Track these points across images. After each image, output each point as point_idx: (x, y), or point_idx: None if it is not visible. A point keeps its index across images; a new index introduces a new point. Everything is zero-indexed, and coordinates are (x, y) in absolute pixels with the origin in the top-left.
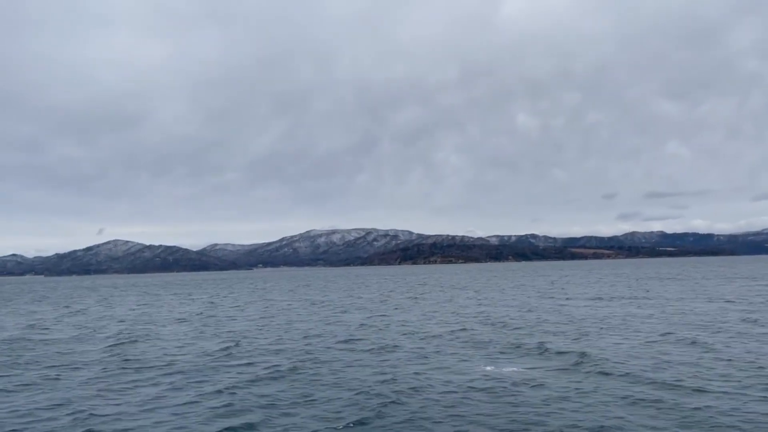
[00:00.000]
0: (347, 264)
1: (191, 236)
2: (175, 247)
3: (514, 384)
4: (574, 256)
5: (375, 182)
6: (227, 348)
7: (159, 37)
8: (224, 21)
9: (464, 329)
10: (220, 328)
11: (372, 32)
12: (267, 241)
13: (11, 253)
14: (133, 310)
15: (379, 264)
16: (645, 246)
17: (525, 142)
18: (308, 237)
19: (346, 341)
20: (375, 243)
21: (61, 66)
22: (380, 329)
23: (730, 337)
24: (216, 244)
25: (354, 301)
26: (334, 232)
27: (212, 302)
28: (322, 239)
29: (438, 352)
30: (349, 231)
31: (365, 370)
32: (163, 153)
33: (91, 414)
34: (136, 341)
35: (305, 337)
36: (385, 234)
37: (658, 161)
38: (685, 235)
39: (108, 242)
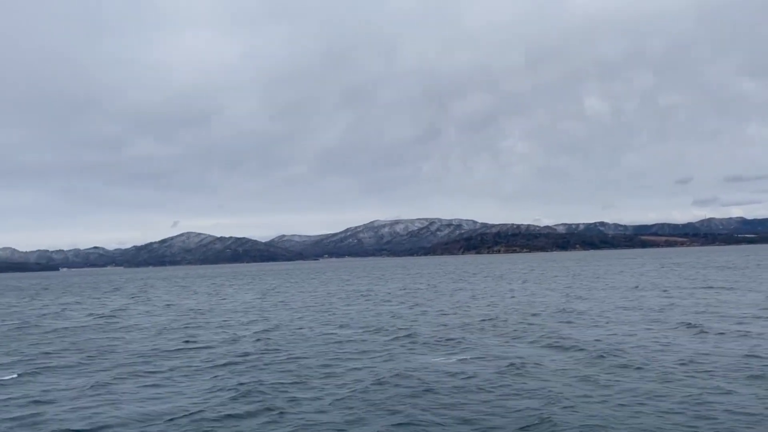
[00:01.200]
0: (411, 254)
1: (260, 228)
2: (244, 238)
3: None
4: (645, 245)
5: (440, 171)
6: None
7: (231, 36)
8: (292, 18)
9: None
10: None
11: (436, 21)
12: (332, 231)
13: (94, 246)
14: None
15: (442, 254)
16: (722, 233)
17: (595, 126)
18: (372, 227)
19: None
20: (438, 233)
21: (140, 67)
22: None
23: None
24: (284, 236)
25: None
26: (397, 222)
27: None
28: (386, 229)
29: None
30: (412, 221)
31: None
32: (234, 148)
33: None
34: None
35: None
36: (449, 224)
37: (738, 143)
38: (767, 221)
39: (181, 234)
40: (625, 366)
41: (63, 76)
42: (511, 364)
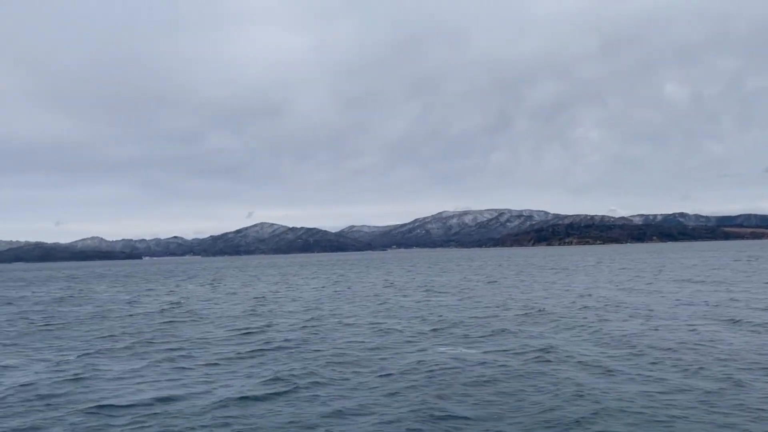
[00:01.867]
0: (479, 245)
1: (330, 218)
2: (315, 228)
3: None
4: (728, 236)
5: (509, 161)
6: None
7: (300, 31)
8: (360, 10)
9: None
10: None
11: (506, 8)
12: (401, 222)
13: (173, 235)
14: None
15: (511, 245)
16: None
17: (674, 113)
18: (440, 218)
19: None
20: (508, 224)
21: (215, 63)
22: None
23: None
24: (353, 226)
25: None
26: (466, 213)
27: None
28: (454, 220)
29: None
30: (481, 212)
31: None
32: (305, 140)
33: None
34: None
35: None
36: (519, 215)
37: None
38: None
39: (255, 225)
40: (657, 362)
41: (145, 73)
42: (539, 357)
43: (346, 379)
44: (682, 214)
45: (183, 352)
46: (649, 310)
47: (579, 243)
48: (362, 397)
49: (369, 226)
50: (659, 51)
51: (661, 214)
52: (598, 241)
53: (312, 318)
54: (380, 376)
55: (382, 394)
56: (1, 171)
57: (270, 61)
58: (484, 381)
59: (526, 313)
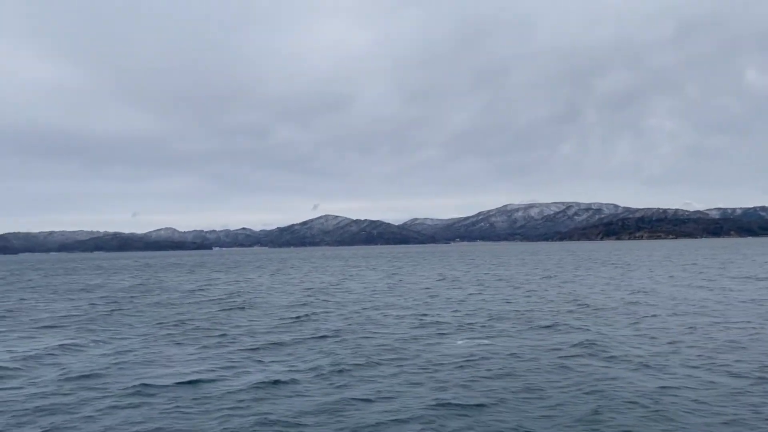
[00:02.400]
0: (545, 239)
1: (393, 211)
2: (378, 221)
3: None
4: None
5: (578, 153)
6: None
7: (365, 24)
8: (425, 2)
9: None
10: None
11: None
12: (464, 215)
13: (242, 227)
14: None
15: (579, 239)
16: None
17: (756, 101)
18: (505, 211)
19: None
20: (576, 217)
21: (282, 57)
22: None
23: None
24: (416, 219)
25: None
26: (532, 206)
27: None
28: (520, 213)
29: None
30: (548, 204)
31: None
32: (369, 133)
33: None
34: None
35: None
36: (588, 208)
37: None
38: None
39: (320, 217)
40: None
41: (216, 69)
42: (571, 351)
43: (376, 368)
44: (763, 208)
45: (229, 339)
46: (702, 307)
47: (650, 237)
48: (386, 386)
49: (432, 219)
50: (739, 36)
51: (741, 208)
52: (671, 236)
53: (360, 309)
54: (411, 366)
55: (406, 382)
56: (84, 166)
57: (336, 55)
58: (512, 373)
59: (572, 308)
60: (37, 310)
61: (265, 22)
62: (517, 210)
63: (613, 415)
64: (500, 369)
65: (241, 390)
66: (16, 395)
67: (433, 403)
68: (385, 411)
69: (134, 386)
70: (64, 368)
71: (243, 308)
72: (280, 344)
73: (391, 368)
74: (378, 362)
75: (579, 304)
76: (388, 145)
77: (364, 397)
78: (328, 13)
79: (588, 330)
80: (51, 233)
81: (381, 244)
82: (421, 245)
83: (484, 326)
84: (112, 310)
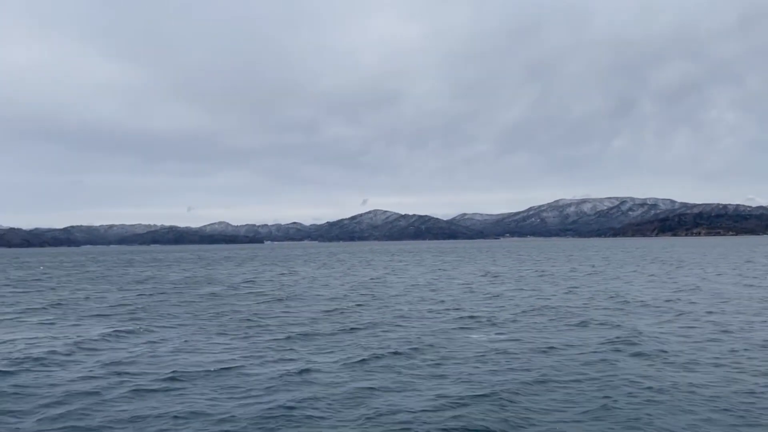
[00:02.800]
0: (598, 235)
1: (442, 206)
2: (427, 216)
3: None
4: None
5: (632, 147)
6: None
7: (414, 18)
8: None
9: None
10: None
11: None
12: (514, 210)
13: (293, 221)
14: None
15: (633, 235)
16: None
17: None
18: (557, 206)
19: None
20: (630, 213)
21: (331, 53)
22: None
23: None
24: (465, 214)
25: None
26: (584, 201)
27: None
28: (572, 209)
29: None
30: (601, 200)
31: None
32: (419, 127)
33: None
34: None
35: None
36: (643, 203)
37: None
38: None
39: (369, 212)
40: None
41: (267, 65)
42: (601, 348)
43: (399, 359)
44: None
45: (265, 329)
46: (745, 305)
47: (708, 234)
48: (405, 377)
49: (481, 214)
50: None
51: None
52: (731, 232)
53: (396, 303)
54: (432, 358)
55: (428, 375)
56: (141, 161)
57: (386, 49)
58: (530, 368)
59: (608, 305)
60: (90, 300)
61: (316, 19)
62: (569, 205)
63: (623, 406)
64: (519, 363)
65: (269, 378)
66: (60, 379)
67: (452, 394)
68: (403, 401)
69: (168, 373)
70: (105, 355)
71: (281, 300)
72: (312, 335)
73: (414, 360)
74: (402, 354)
75: (617, 301)
76: (438, 139)
77: (383, 386)
78: (378, 8)
79: (618, 326)
80: (111, 226)
81: (429, 239)
82: (469, 240)
83: (513, 321)
84: (160, 301)
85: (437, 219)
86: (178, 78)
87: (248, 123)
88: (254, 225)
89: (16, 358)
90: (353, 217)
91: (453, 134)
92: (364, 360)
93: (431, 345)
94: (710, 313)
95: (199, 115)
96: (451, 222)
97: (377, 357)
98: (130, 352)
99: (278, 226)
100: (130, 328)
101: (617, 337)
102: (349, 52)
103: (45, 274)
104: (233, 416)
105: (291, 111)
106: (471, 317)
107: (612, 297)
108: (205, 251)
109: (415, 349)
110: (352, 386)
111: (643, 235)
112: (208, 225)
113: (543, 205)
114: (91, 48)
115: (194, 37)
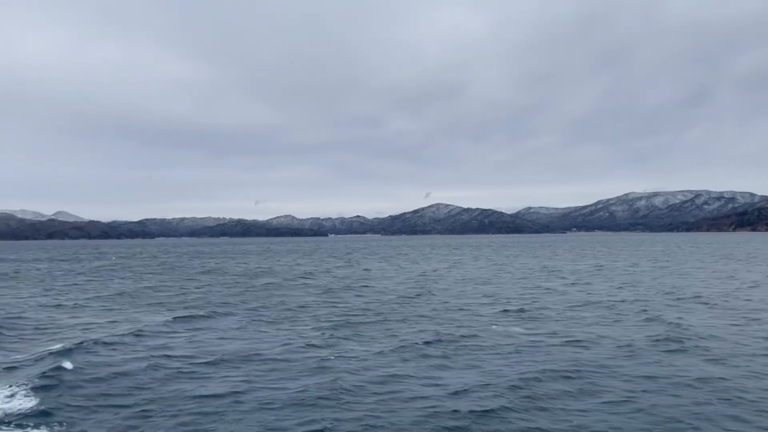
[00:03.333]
0: (670, 230)
1: (506, 199)
2: (490, 210)
3: None
4: None
5: (708, 138)
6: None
7: (481, 9)
8: None
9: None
10: None
11: None
12: (582, 204)
13: (356, 215)
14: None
15: (708, 230)
16: None
17: None
18: (626, 200)
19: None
20: (705, 206)
21: (395, 46)
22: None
23: None
24: (530, 208)
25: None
26: (656, 194)
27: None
28: (642, 202)
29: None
30: (674, 193)
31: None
32: (483, 120)
33: None
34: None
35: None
36: (719, 196)
37: None
38: None
39: (432, 206)
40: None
41: (333, 61)
42: (647, 342)
43: (437, 347)
44: None
45: (315, 318)
46: None
47: None
48: (437, 363)
49: (547, 208)
50: None
51: None
52: None
53: (448, 296)
54: (468, 349)
55: (467, 365)
56: (211, 156)
57: (451, 41)
58: (568, 360)
59: (661, 300)
60: (153, 289)
61: (381, 13)
62: (640, 199)
63: (653, 401)
64: (546, 356)
65: (307, 366)
66: (113, 360)
67: (475, 383)
68: (427, 389)
69: (215, 358)
70: (159, 339)
71: (332, 291)
72: (358, 324)
73: (449, 350)
74: (441, 343)
75: (671, 297)
76: (502, 132)
77: (416, 374)
78: (442, 1)
79: (661, 322)
80: (183, 219)
81: (492, 233)
82: (534, 235)
83: (557, 315)
84: (218, 291)
85: (501, 213)
86: (246, 75)
87: (313, 118)
88: (318, 218)
89: (88, 340)
90: (416, 211)
91: (518, 126)
92: (400, 348)
93: (472, 335)
94: (756, 310)
95: (266, 111)
96: (515, 216)
97: (417, 345)
98: (182, 337)
99: (342, 220)
100: (185, 314)
101: (657, 333)
102: (414, 45)
103: (118, 264)
104: (272, 399)
105: (355, 106)
106: (520, 310)
107: (667, 293)
108: (272, 243)
109: (453, 341)
110: (384, 372)
111: (719, 229)
112: (275, 218)
113: (612, 199)
114: (166, 47)
115: (263, 34)
